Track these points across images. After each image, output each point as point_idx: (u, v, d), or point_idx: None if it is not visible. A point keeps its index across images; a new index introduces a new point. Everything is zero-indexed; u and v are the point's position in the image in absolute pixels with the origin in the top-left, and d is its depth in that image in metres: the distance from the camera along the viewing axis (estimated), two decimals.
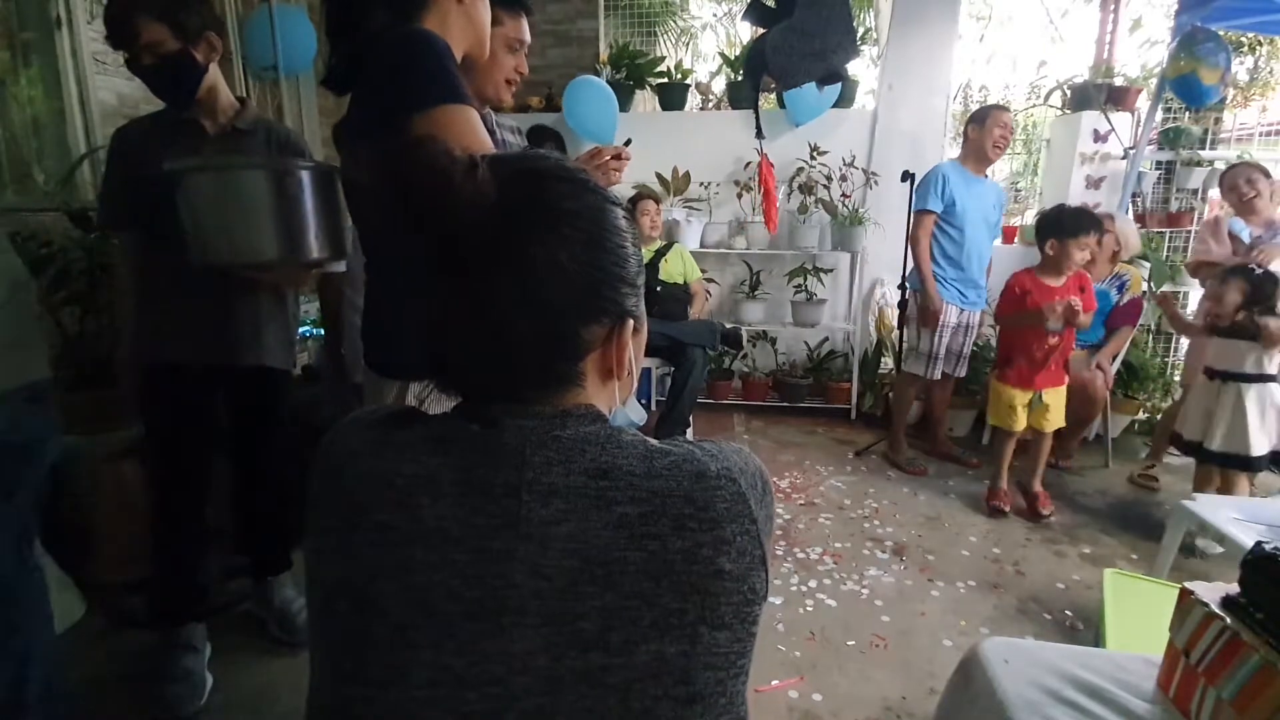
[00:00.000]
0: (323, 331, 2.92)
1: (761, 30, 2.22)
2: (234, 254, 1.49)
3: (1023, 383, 2.68)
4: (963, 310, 3.17)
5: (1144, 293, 3.48)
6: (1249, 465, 2.37)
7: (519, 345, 0.54)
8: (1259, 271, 2.39)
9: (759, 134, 2.93)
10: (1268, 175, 2.93)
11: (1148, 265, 3.50)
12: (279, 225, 1.44)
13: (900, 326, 3.33)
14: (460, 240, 0.52)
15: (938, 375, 3.24)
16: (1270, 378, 2.36)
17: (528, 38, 1.42)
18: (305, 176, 1.46)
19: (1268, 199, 2.93)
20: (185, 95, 1.58)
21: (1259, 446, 2.35)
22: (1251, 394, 2.35)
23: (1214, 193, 3.89)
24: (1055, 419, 2.72)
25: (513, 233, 0.52)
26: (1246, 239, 2.87)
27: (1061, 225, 2.59)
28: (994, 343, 3.77)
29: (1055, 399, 2.71)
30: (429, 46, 1.01)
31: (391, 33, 1.05)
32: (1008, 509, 2.76)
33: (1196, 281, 3.24)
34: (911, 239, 3.14)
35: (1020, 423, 2.70)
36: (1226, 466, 2.42)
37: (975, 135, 3.06)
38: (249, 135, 1.66)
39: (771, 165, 3.68)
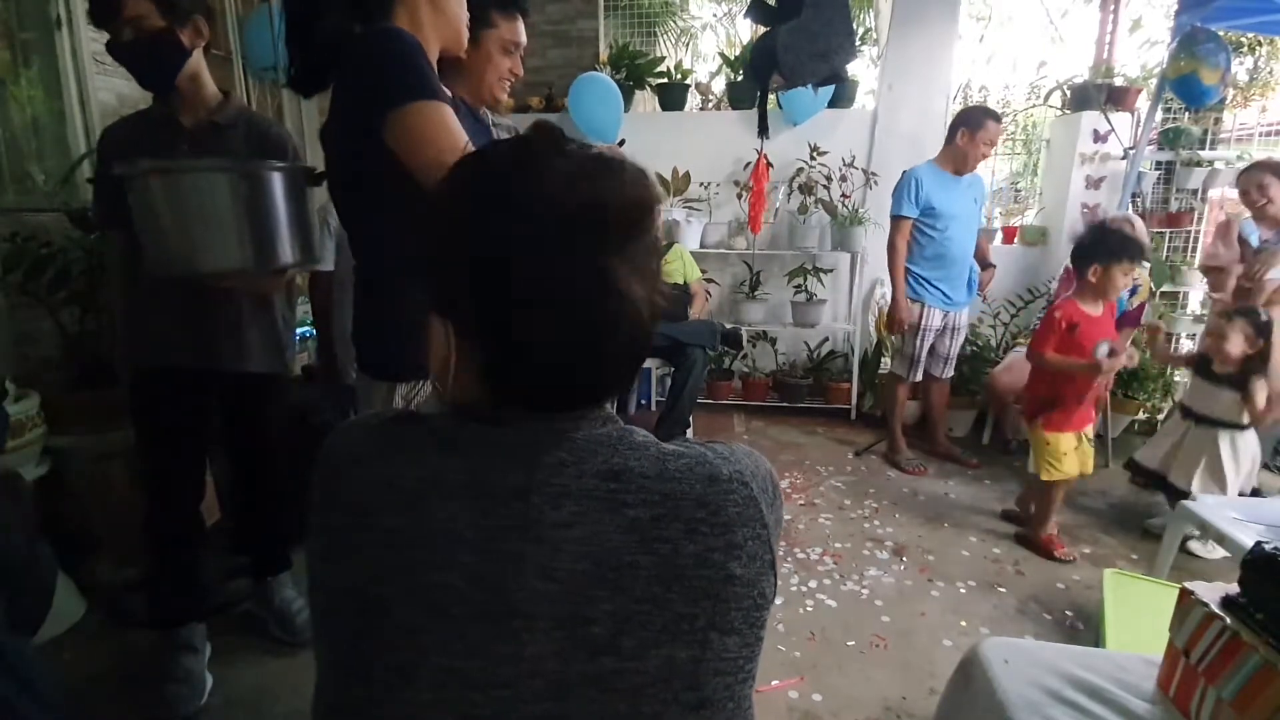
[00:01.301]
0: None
1: (764, 29, 2.22)
2: (189, 264, 1.39)
3: (1073, 425, 2.40)
4: (947, 313, 3.15)
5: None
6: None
7: (618, 360, 0.55)
8: (1263, 318, 2.32)
9: (765, 132, 2.88)
10: None
11: (1148, 265, 3.50)
12: (237, 231, 1.35)
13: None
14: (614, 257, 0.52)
15: (919, 377, 3.25)
16: (1247, 426, 2.33)
17: (523, 39, 1.42)
18: (267, 179, 1.37)
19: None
20: (165, 78, 1.53)
21: (1232, 491, 2.29)
22: (1226, 439, 2.31)
23: (1214, 193, 3.89)
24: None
25: (630, 248, 0.53)
26: (1255, 243, 2.84)
27: (1109, 249, 2.30)
28: (994, 343, 3.78)
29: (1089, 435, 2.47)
30: (400, 44, 1.01)
31: (363, 32, 1.05)
32: (1075, 557, 2.44)
33: (1199, 280, 3.22)
34: (888, 245, 3.13)
35: (1074, 467, 2.41)
36: None
37: (964, 143, 2.98)
38: (228, 130, 1.61)
39: (770, 166, 3.68)
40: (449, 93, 1.08)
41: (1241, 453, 2.33)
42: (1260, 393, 2.24)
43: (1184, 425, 2.42)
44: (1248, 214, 2.92)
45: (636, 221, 0.53)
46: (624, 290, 0.51)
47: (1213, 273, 2.92)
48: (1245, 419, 2.30)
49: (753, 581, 0.53)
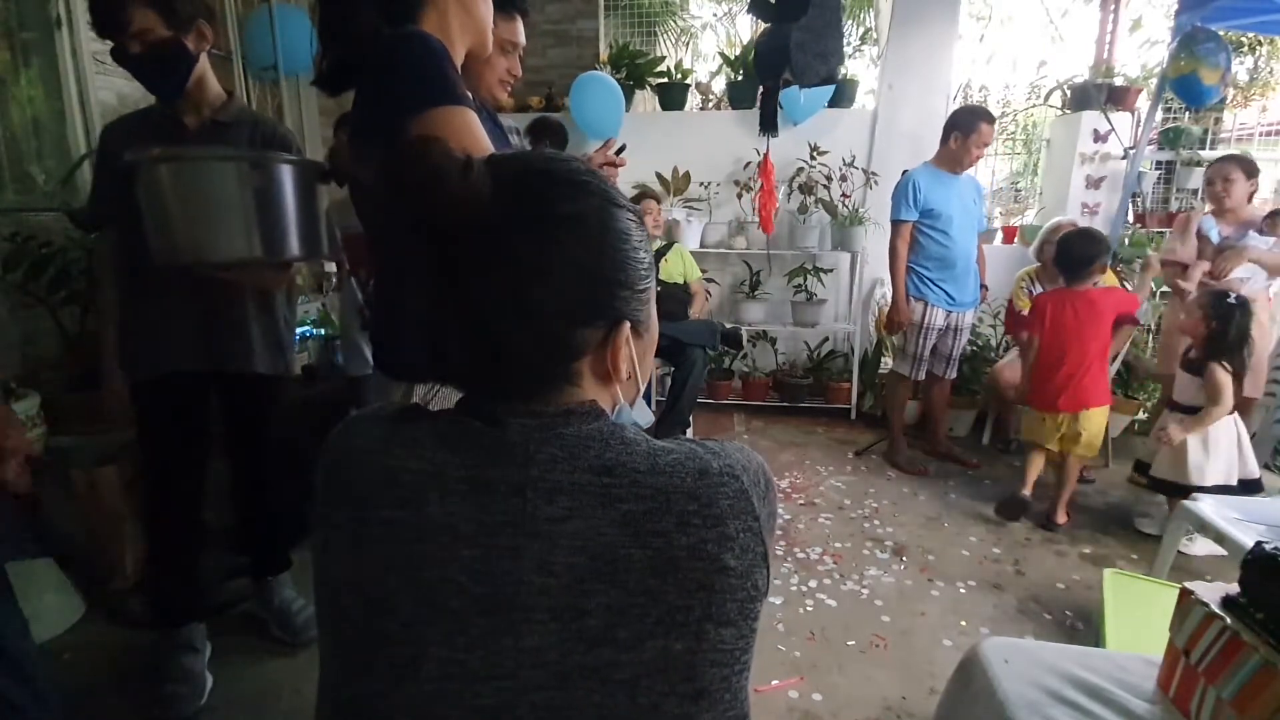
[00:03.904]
0: (323, 331, 2.93)
1: (767, 26, 2.23)
2: (196, 252, 1.40)
3: (1039, 403, 2.69)
4: (949, 313, 3.15)
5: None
6: (1247, 491, 2.36)
7: (508, 346, 0.54)
8: (1228, 300, 2.37)
9: (773, 130, 2.79)
10: (1250, 173, 2.82)
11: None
12: (245, 222, 1.36)
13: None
14: (453, 240, 0.52)
15: (921, 376, 3.25)
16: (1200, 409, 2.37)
17: (522, 40, 1.42)
18: (273, 171, 1.38)
19: (1243, 198, 2.83)
20: (175, 86, 1.53)
21: (1220, 471, 2.35)
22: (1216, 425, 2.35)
23: None
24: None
25: (503, 235, 0.52)
26: (1215, 239, 2.82)
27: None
28: (994, 342, 3.79)
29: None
30: (426, 49, 1.00)
31: (389, 35, 1.05)
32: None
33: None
34: (889, 248, 3.14)
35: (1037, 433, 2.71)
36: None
37: (957, 145, 2.99)
38: (231, 128, 1.61)
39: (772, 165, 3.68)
40: (472, 98, 1.08)
41: (1236, 436, 2.38)
42: (1217, 375, 2.31)
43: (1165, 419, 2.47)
44: (1208, 209, 2.91)
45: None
46: None
47: (1170, 267, 2.90)
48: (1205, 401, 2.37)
49: (746, 573, 0.53)
